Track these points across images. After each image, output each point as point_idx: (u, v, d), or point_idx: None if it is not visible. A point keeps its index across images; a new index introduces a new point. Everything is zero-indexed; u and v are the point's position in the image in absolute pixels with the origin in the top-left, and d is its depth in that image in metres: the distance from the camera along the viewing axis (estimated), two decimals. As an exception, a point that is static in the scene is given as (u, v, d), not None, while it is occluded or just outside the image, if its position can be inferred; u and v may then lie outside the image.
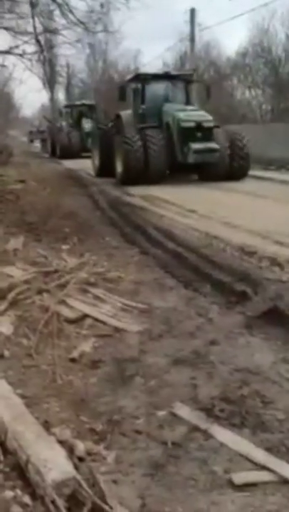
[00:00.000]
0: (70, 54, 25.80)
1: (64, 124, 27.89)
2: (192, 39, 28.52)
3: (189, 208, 9.10)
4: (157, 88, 14.63)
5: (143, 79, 14.73)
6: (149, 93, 14.49)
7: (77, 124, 26.81)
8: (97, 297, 4.45)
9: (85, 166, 18.00)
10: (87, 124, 25.48)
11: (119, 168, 13.71)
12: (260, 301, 4.08)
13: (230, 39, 63.18)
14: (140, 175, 12.94)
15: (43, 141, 33.12)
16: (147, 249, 6.23)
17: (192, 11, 28.11)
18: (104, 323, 3.91)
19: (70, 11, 10.51)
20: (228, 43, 64.31)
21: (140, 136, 13.14)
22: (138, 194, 11.34)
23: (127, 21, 22.38)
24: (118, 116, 15.13)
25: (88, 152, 23.80)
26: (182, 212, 8.94)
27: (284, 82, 28.34)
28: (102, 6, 11.49)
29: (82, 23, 11.00)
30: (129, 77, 15.72)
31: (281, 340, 3.50)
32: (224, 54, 34.09)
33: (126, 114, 15.05)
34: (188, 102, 14.95)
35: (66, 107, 29.81)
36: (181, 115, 13.28)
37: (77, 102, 29.37)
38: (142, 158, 12.90)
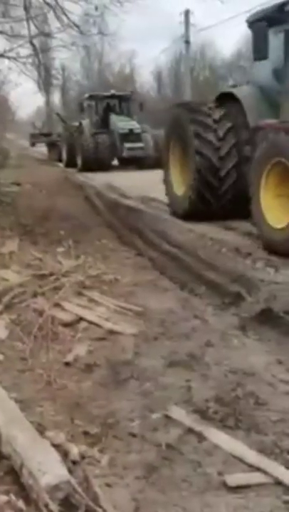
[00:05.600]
0: (66, 57, 25.12)
1: (85, 122, 19.60)
2: (187, 41, 28.65)
3: None
4: None
5: None
6: None
7: (103, 123, 19.60)
8: (92, 300, 4.45)
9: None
10: (121, 122, 18.79)
11: (273, 217, 5.95)
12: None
13: (227, 40, 63.42)
14: None
15: (51, 145, 26.22)
16: None
17: (186, 13, 28.26)
18: (99, 326, 3.92)
19: (65, 14, 10.49)
20: (224, 44, 64.58)
21: None
22: None
23: (123, 23, 20.36)
24: (224, 98, 7.79)
25: (113, 160, 18.48)
26: None
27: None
28: (96, 8, 11.44)
29: (76, 26, 10.98)
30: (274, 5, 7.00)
31: (275, 341, 3.52)
32: (220, 55, 34.21)
33: (246, 94, 7.44)
34: None
35: (90, 98, 21.13)
36: None
37: (105, 93, 21.23)
38: None
